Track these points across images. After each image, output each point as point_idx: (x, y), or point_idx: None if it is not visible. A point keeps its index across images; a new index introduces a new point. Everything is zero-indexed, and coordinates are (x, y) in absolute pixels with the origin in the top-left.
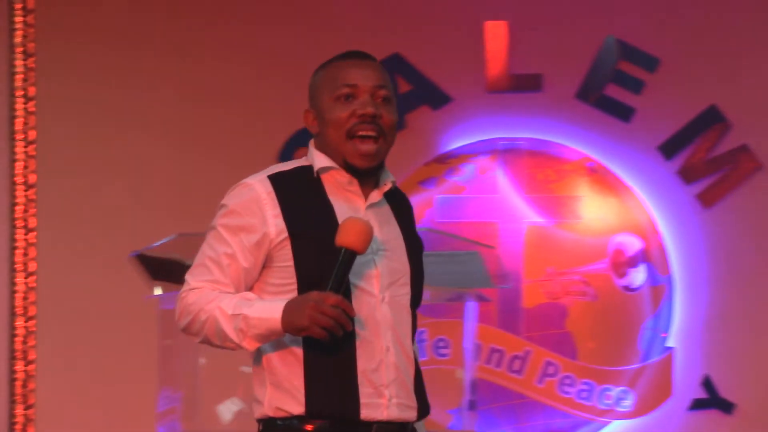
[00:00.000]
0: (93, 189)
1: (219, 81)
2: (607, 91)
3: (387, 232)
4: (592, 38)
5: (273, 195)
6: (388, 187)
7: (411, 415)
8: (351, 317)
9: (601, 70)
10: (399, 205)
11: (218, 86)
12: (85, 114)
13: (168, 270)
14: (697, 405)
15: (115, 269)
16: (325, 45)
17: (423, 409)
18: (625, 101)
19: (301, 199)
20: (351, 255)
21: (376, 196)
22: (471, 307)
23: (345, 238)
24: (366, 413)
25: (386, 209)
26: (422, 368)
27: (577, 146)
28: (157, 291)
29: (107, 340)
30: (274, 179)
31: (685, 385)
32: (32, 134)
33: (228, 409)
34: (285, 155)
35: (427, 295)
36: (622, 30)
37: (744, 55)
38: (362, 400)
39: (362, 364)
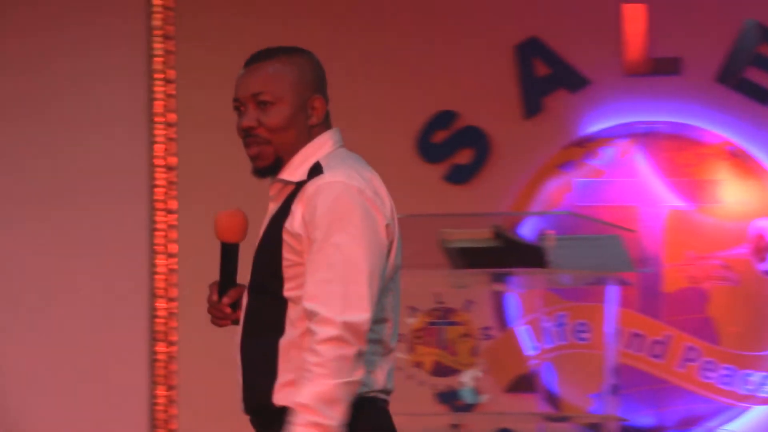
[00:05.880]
0: (234, 170)
1: (361, 52)
2: (747, 74)
3: (266, 228)
4: (731, 21)
5: None
6: (276, 185)
7: (244, 405)
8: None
9: (741, 53)
10: (293, 198)
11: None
12: (226, 95)
13: None
14: None
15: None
16: (464, 28)
17: (251, 399)
18: (765, 85)
19: None
20: (224, 246)
21: (272, 193)
22: (612, 291)
23: (215, 230)
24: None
25: (278, 206)
26: (563, 352)
27: (716, 130)
28: None
29: None
30: None
31: None
32: (172, 117)
33: None
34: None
35: (568, 279)
36: (763, 13)
37: None
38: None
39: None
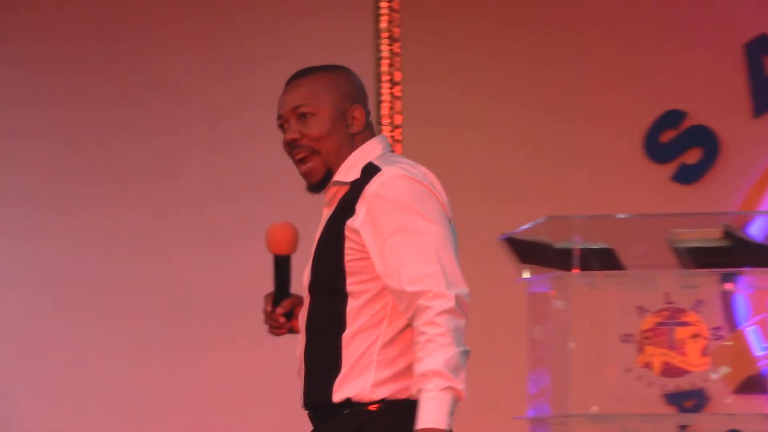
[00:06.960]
0: (459, 169)
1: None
2: None
3: (320, 233)
4: None
5: None
6: (331, 190)
7: (305, 401)
8: (284, 320)
9: None
10: (347, 199)
11: (580, 56)
12: (451, 96)
13: (536, 253)
14: None
15: (482, 261)
16: (693, 26)
17: (312, 395)
18: None
19: None
20: (276, 258)
21: (327, 198)
22: None
23: (267, 243)
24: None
25: (330, 211)
26: None
27: None
28: (526, 274)
29: (477, 321)
30: None
31: None
32: (398, 119)
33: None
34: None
35: None
36: None
37: None
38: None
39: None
